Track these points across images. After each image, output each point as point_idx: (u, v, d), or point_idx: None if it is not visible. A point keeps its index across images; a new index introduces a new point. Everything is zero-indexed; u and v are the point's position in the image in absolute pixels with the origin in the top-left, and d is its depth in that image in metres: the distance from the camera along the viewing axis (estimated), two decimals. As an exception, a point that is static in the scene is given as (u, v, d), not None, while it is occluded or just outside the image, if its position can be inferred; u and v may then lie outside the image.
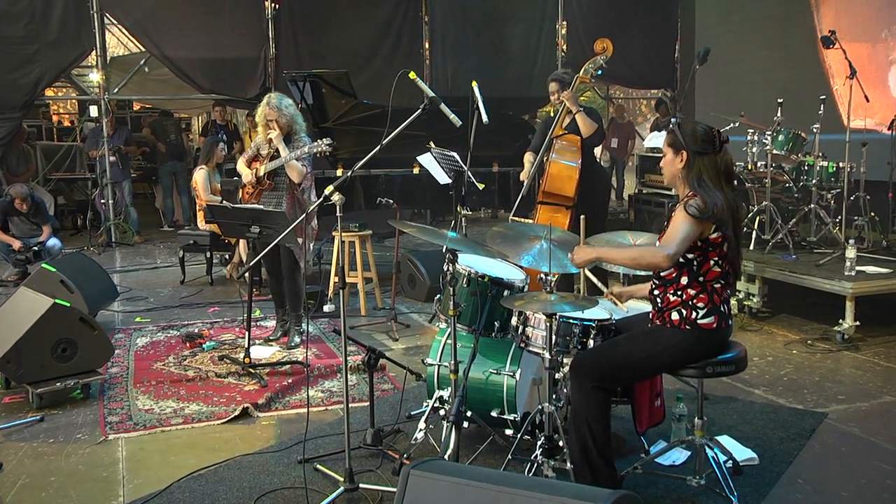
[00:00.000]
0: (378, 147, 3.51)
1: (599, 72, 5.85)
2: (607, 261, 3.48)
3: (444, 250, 3.75)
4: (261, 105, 5.67)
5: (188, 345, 5.89)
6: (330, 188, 3.36)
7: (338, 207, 3.41)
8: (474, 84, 4.66)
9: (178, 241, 8.47)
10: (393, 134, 3.51)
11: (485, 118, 4.63)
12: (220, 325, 6.52)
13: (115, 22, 11.10)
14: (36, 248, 8.18)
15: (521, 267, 4.02)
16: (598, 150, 7.36)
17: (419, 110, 3.63)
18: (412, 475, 2.38)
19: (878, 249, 6.82)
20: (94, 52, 10.58)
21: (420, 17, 11.76)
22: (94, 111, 10.63)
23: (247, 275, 5.41)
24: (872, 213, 7.15)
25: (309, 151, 5.45)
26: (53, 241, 8.40)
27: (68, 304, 4.94)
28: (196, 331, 6.23)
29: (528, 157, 6.00)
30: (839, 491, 3.61)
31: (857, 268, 5.93)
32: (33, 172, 11.02)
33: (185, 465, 3.93)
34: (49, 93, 12.78)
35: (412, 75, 3.76)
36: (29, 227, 8.43)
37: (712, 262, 3.27)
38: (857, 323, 5.77)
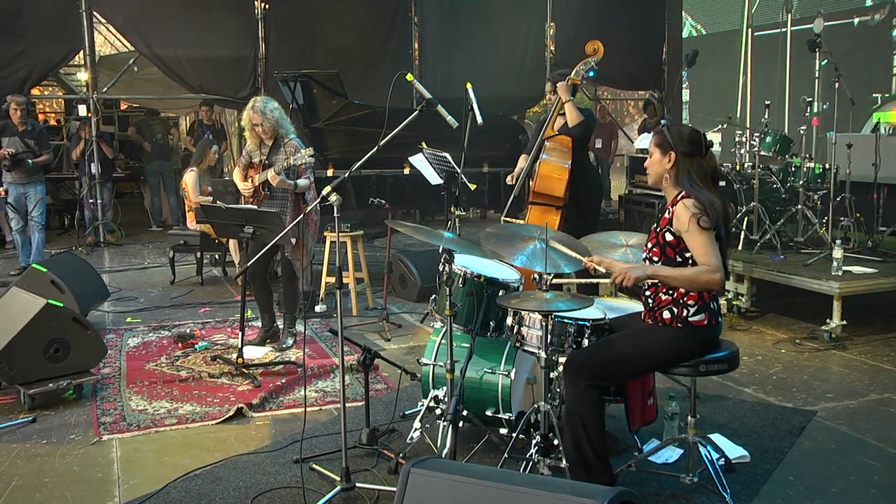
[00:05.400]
0: (376, 148, 3.53)
1: (591, 73, 5.88)
2: (661, 279, 3.33)
3: (440, 250, 3.78)
4: (246, 108, 5.65)
5: (180, 345, 5.88)
6: (328, 189, 3.38)
7: (335, 208, 3.42)
8: (469, 86, 4.69)
9: (168, 241, 8.45)
10: (391, 135, 3.53)
11: (479, 119, 4.66)
12: (212, 326, 6.52)
13: (103, 21, 11.06)
14: (21, 158, 8.13)
15: (515, 267, 4.05)
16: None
17: (416, 111, 3.65)
18: (412, 473, 2.40)
19: (863, 249, 6.89)
20: (83, 50, 10.55)
21: (409, 17, 11.79)
22: (82, 110, 10.58)
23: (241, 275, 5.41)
24: (858, 214, 7.23)
25: (294, 162, 5.39)
26: (38, 239, 8.43)
27: (61, 304, 4.93)
28: (188, 331, 6.23)
29: (522, 159, 6.04)
30: (829, 487, 3.66)
31: (844, 268, 6.00)
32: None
33: (181, 465, 3.94)
34: (35, 92, 12.70)
35: (409, 77, 3.78)
36: (24, 149, 8.31)
37: (704, 262, 3.30)
38: (844, 322, 5.84)
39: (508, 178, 6.05)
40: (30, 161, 8.21)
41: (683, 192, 3.31)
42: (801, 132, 7.23)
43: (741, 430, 4.27)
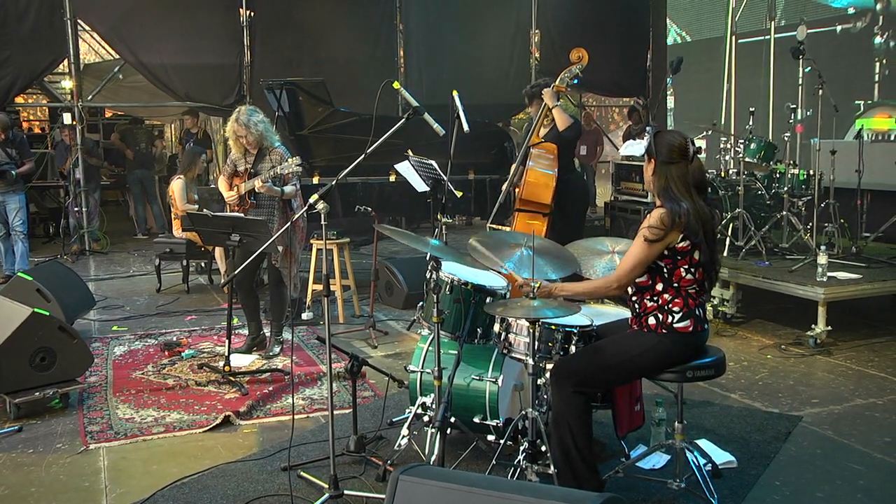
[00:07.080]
0: (363, 155, 3.53)
1: (575, 80, 5.92)
2: (568, 296, 3.46)
3: (427, 258, 3.78)
4: (230, 120, 5.62)
5: (167, 353, 5.86)
6: (315, 197, 3.38)
7: (322, 216, 3.42)
8: (455, 93, 4.70)
9: (154, 249, 8.41)
10: (378, 142, 3.54)
11: (465, 127, 4.67)
12: (199, 334, 6.49)
13: (87, 28, 11.02)
14: (4, 170, 8.09)
15: (501, 274, 4.06)
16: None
17: (403, 119, 3.66)
18: (401, 480, 2.40)
19: (847, 255, 6.93)
20: (67, 58, 10.50)
21: (395, 25, 11.81)
22: (67, 118, 10.53)
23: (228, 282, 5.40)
24: (842, 220, 7.28)
25: (281, 171, 5.37)
26: (22, 249, 8.36)
27: (47, 313, 4.90)
28: (174, 339, 6.20)
29: (514, 169, 6.06)
30: (815, 492, 3.68)
31: (829, 273, 6.04)
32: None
33: (168, 473, 3.92)
34: (19, 100, 12.64)
35: (396, 85, 3.79)
36: (6, 160, 8.25)
37: (683, 270, 3.33)
38: (829, 328, 5.88)
39: (505, 185, 6.06)
40: (13, 172, 8.16)
41: (658, 202, 3.35)
42: (786, 139, 7.28)
43: (728, 435, 4.29)
